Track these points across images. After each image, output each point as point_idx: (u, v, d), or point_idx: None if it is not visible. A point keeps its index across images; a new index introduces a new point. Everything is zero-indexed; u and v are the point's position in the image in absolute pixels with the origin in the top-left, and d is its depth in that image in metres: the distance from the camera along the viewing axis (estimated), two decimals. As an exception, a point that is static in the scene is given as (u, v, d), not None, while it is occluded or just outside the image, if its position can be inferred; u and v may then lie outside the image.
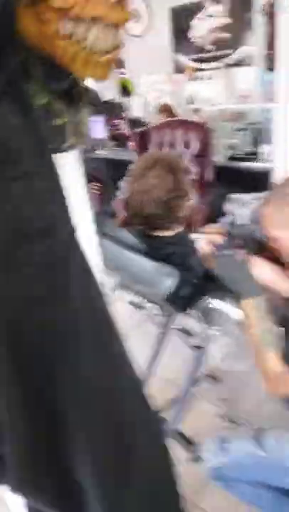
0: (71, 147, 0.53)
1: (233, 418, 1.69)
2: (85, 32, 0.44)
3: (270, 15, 3.13)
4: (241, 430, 1.68)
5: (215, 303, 1.24)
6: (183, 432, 1.72)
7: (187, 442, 1.69)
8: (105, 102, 4.65)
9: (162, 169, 1.17)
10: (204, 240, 1.21)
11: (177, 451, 1.67)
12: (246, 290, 1.06)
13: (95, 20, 0.44)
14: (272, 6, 3.05)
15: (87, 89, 0.54)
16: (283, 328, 1.10)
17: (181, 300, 1.16)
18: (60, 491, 0.52)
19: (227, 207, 1.22)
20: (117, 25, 0.46)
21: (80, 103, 0.54)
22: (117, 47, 0.48)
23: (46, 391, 0.47)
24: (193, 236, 1.24)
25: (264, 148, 2.98)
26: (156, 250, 1.23)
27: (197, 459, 1.54)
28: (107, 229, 1.17)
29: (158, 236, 1.26)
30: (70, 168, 0.56)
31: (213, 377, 2.06)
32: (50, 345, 0.46)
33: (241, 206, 1.19)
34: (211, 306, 1.25)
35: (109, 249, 1.12)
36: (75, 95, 0.53)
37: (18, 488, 0.51)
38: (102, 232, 1.19)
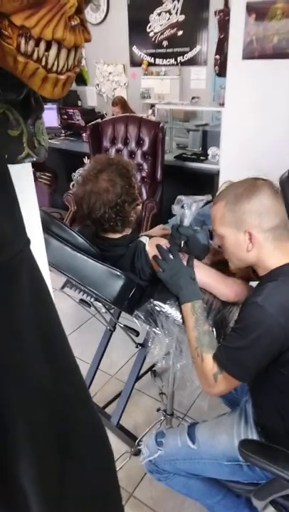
0: (26, 158, 0.53)
1: (171, 412, 1.76)
2: (44, 51, 0.44)
3: (223, 22, 3.21)
4: (177, 424, 1.76)
5: (159, 305, 1.28)
6: (124, 426, 1.76)
7: (128, 436, 1.73)
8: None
9: (114, 173, 1.18)
10: (152, 243, 1.24)
11: (118, 445, 1.71)
12: (186, 294, 1.12)
13: (55, 40, 0.44)
14: (225, 13, 3.13)
15: (42, 100, 0.54)
16: (216, 330, 1.16)
17: (128, 301, 1.19)
18: (4, 494, 0.53)
19: (174, 208, 1.25)
20: (76, 46, 0.47)
21: (35, 114, 0.54)
22: (75, 66, 0.48)
23: None
24: (141, 239, 1.27)
25: (213, 150, 3.07)
26: (106, 252, 1.24)
27: (137, 452, 1.59)
28: (56, 229, 1.16)
29: (108, 238, 1.27)
30: (23, 180, 0.56)
31: (155, 373, 2.13)
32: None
33: (186, 207, 1.23)
34: (155, 307, 1.29)
35: (59, 250, 1.12)
36: (30, 106, 0.53)
37: None
38: (51, 232, 1.18)
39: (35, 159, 0.54)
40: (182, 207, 1.36)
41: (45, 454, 0.54)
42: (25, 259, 0.48)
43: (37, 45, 0.44)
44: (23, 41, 0.43)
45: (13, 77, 0.46)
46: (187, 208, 1.37)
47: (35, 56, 0.44)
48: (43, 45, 0.44)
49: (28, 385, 0.50)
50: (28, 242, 0.49)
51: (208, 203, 1.33)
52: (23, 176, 0.57)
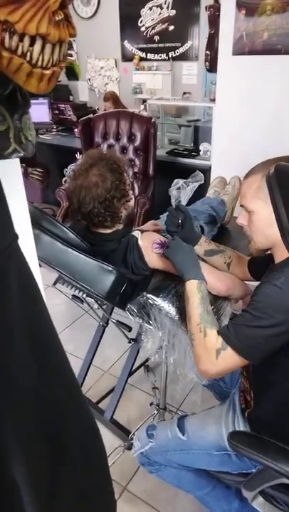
0: (13, 153, 0.53)
1: (164, 406, 1.78)
2: (27, 47, 0.44)
3: (213, 18, 3.20)
4: (170, 418, 1.77)
5: (152, 298, 1.29)
6: (117, 421, 1.78)
7: (121, 430, 1.75)
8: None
9: (104, 168, 1.18)
10: (144, 237, 1.25)
11: (112, 440, 1.72)
12: (193, 271, 1.09)
13: (38, 36, 0.44)
14: (216, 9, 3.12)
15: (29, 95, 0.54)
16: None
17: (120, 296, 1.19)
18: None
19: (171, 190, 1.27)
20: (61, 41, 0.47)
21: (22, 109, 0.54)
22: (61, 61, 0.48)
23: None
24: (134, 233, 1.28)
25: (204, 146, 3.08)
26: (97, 247, 1.24)
27: (130, 446, 1.61)
28: (47, 224, 1.16)
29: (99, 233, 1.27)
30: (11, 175, 0.56)
31: (147, 368, 2.14)
32: None
33: (183, 188, 1.25)
34: (148, 300, 1.30)
35: (50, 245, 1.12)
36: (17, 101, 0.53)
37: None
38: (42, 227, 1.18)
39: (22, 154, 0.54)
40: (178, 188, 1.39)
41: (36, 455, 0.55)
42: (13, 255, 0.48)
43: (21, 40, 0.44)
44: (7, 36, 0.43)
45: None
46: (183, 189, 1.40)
47: (19, 51, 0.44)
48: (27, 40, 0.44)
49: (17, 385, 0.51)
50: (15, 237, 0.49)
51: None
52: (10, 172, 0.57)
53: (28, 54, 0.45)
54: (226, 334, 0.95)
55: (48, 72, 0.48)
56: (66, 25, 0.46)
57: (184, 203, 1.38)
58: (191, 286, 1.07)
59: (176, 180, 1.43)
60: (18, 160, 0.57)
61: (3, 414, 0.50)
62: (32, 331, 0.52)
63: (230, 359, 0.94)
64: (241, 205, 1.06)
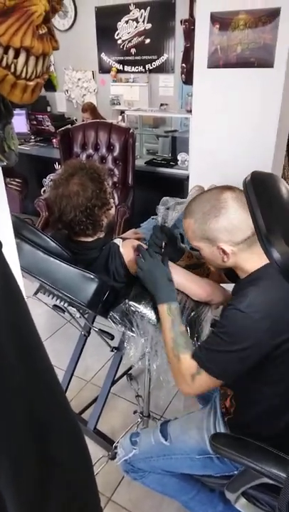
0: (-4, 162, 0.54)
1: (148, 414, 1.78)
2: (13, 58, 0.46)
3: (188, 31, 3.29)
4: (152, 424, 1.77)
5: (134, 305, 1.30)
6: (101, 431, 1.76)
7: (105, 440, 1.73)
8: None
9: (85, 177, 1.20)
10: (127, 246, 1.26)
11: (96, 450, 1.71)
12: (163, 296, 1.13)
13: (22, 48, 0.46)
14: (190, 23, 3.21)
15: (11, 106, 0.55)
16: (190, 329, 1.18)
17: (103, 304, 1.20)
18: None
19: (158, 208, 1.27)
20: (44, 54, 0.49)
21: (5, 119, 0.55)
22: (44, 73, 0.50)
23: None
24: (115, 241, 1.29)
25: (181, 156, 3.14)
26: (78, 256, 1.25)
27: (114, 456, 1.59)
28: (28, 233, 1.16)
29: (81, 241, 1.28)
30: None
31: (130, 377, 2.14)
32: None
33: (171, 209, 1.26)
34: (130, 307, 1.31)
35: (31, 254, 1.12)
36: (0, 111, 0.54)
37: None
38: (23, 237, 1.18)
39: (5, 163, 0.55)
40: (167, 208, 1.39)
41: (23, 456, 0.55)
42: None
43: (6, 52, 0.45)
44: (-9, 49, 0.45)
45: None
46: (171, 209, 1.41)
47: (4, 63, 0.46)
48: (11, 53, 0.46)
49: (4, 386, 0.51)
50: (0, 245, 0.49)
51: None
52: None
53: (13, 66, 0.47)
54: (199, 358, 1.00)
55: (31, 83, 0.49)
56: (49, 38, 0.48)
57: (171, 222, 1.38)
58: (162, 310, 1.11)
59: (164, 199, 1.43)
60: (0, 169, 0.58)
61: None
62: (17, 335, 0.53)
63: (204, 381, 0.99)
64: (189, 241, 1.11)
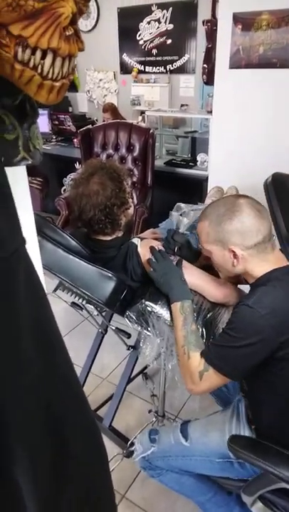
0: (22, 161, 0.55)
1: (163, 413, 1.78)
2: (40, 59, 0.47)
3: (210, 32, 3.27)
4: (169, 424, 1.77)
5: (150, 305, 1.31)
6: (116, 428, 1.77)
7: (120, 438, 1.74)
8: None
9: (104, 176, 1.21)
10: (144, 245, 1.27)
11: (111, 447, 1.72)
12: (176, 294, 1.15)
13: (50, 49, 0.47)
14: (213, 23, 3.19)
15: (37, 106, 0.56)
16: (206, 330, 1.19)
17: (120, 303, 1.21)
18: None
19: (172, 214, 1.29)
20: (71, 55, 0.50)
21: (30, 119, 0.57)
22: (70, 74, 0.51)
23: None
24: (133, 240, 1.30)
25: (201, 157, 3.13)
26: (97, 254, 1.26)
27: (129, 454, 1.60)
28: (50, 231, 1.18)
29: (100, 240, 1.29)
30: (18, 182, 0.58)
31: (146, 376, 2.14)
32: None
33: (185, 215, 1.27)
34: (146, 308, 1.31)
35: (52, 252, 1.14)
36: (26, 111, 0.56)
37: None
38: (44, 234, 1.20)
39: (30, 162, 0.56)
40: (181, 214, 1.41)
41: (39, 450, 0.56)
42: (21, 258, 0.50)
43: (33, 53, 0.47)
44: (20, 50, 0.46)
45: (9, 83, 0.49)
46: (185, 216, 1.42)
47: (31, 64, 0.47)
48: (39, 54, 0.47)
49: (22, 380, 0.52)
50: (23, 241, 0.51)
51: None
52: (18, 179, 0.59)
53: (40, 67, 0.48)
54: (207, 355, 1.01)
55: (57, 84, 0.50)
56: (75, 39, 0.49)
57: (185, 227, 1.39)
58: (175, 308, 1.14)
59: (178, 205, 1.45)
60: (24, 168, 0.60)
61: (7, 408, 0.51)
62: (38, 329, 0.54)
63: (212, 379, 1.00)
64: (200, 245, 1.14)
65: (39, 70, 0.48)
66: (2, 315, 0.47)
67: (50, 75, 0.49)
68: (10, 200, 0.49)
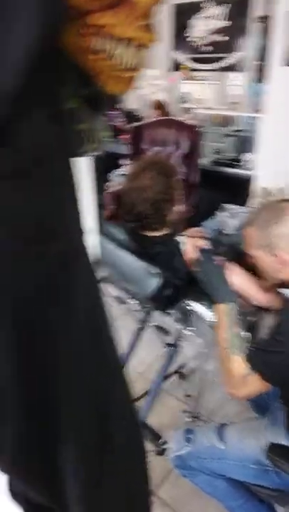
0: (87, 152, 0.56)
1: (197, 415, 1.76)
2: (113, 49, 0.47)
3: (263, 29, 3.18)
4: (205, 425, 1.75)
5: (192, 305, 1.29)
6: (149, 425, 1.77)
7: (153, 435, 1.74)
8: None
9: (156, 172, 1.21)
10: (189, 244, 1.26)
11: (142, 443, 1.72)
12: (221, 295, 1.13)
13: (123, 39, 0.47)
14: (267, 20, 3.11)
15: (108, 98, 0.56)
16: (250, 334, 1.17)
17: (163, 299, 1.21)
18: (45, 475, 0.56)
19: (218, 215, 1.28)
20: (142, 46, 0.49)
21: (101, 111, 0.57)
22: (140, 65, 0.51)
23: (45, 388, 0.49)
24: (179, 239, 1.29)
25: (247, 156, 3.06)
26: (143, 249, 1.27)
27: (161, 451, 1.60)
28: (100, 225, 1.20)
29: (146, 235, 1.29)
30: (83, 173, 0.59)
31: (182, 375, 2.13)
32: (53, 347, 0.48)
33: (231, 216, 1.26)
34: (188, 307, 1.30)
35: (102, 245, 1.15)
36: (98, 103, 0.56)
37: (9, 467, 0.54)
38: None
39: (97, 153, 0.57)
40: (228, 216, 1.39)
41: (87, 442, 0.57)
42: (81, 250, 0.51)
43: (108, 43, 0.47)
44: (96, 39, 0.46)
45: (84, 73, 0.49)
46: (233, 217, 1.41)
47: (105, 53, 0.47)
48: (111, 44, 0.47)
49: (77, 376, 0.52)
50: (84, 234, 0.51)
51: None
52: (84, 170, 0.60)
53: (113, 57, 0.48)
54: (251, 360, 0.99)
55: (127, 75, 0.50)
56: (149, 30, 0.49)
57: (232, 228, 1.38)
58: (220, 310, 1.12)
59: (225, 206, 1.44)
60: (90, 159, 0.60)
61: (60, 400, 0.52)
62: (92, 320, 0.55)
63: (254, 384, 0.98)
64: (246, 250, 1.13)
65: (113, 60, 0.48)
66: (63, 312, 0.48)
67: (123, 65, 0.49)
68: (75, 192, 0.49)
